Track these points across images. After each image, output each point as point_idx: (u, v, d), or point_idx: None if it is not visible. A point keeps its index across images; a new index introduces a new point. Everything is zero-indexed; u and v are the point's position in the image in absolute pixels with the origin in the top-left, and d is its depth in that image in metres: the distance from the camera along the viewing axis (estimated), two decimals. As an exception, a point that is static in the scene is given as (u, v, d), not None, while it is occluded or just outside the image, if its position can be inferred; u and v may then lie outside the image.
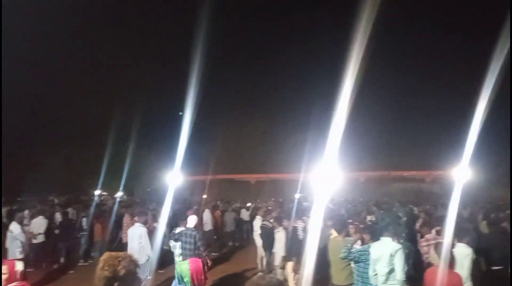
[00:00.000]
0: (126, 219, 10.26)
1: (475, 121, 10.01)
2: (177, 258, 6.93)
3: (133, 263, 2.41)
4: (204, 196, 22.10)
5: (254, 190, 31.50)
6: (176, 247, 7.04)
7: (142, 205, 14.23)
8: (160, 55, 33.68)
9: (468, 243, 5.19)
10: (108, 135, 25.70)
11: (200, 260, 4.65)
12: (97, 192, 22.90)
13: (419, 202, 17.54)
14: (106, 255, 2.39)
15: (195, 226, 7.02)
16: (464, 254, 4.97)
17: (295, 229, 7.67)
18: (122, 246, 9.14)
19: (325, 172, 9.37)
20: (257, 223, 9.36)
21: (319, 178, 9.80)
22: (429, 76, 33.21)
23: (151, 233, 7.95)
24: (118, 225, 10.79)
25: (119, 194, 23.50)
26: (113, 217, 11.37)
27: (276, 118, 35.70)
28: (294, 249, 7.15)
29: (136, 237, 7.39)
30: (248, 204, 17.01)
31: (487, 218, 9.38)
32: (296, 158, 25.78)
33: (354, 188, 28.05)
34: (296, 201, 14.83)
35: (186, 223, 7.16)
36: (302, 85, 34.86)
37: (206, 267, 4.59)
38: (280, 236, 7.27)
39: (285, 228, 7.37)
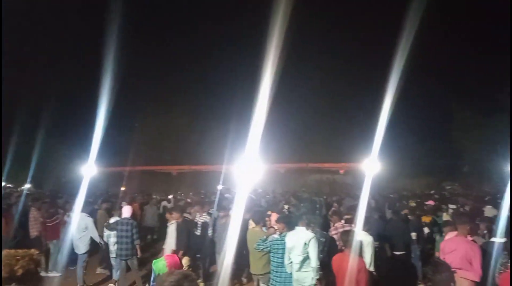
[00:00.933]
0: (33, 213, 9.42)
1: (382, 117, 10.79)
2: (112, 247, 7.27)
3: (34, 262, 2.21)
4: (123, 188, 21.17)
5: (176, 182, 30.89)
6: (111, 236, 7.32)
7: (52, 198, 13.17)
8: (77, 44, 31.49)
9: (368, 231, 5.57)
10: (14, 123, 23.43)
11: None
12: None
13: (333, 193, 18.53)
14: (4, 253, 2.17)
15: (131, 216, 7.31)
16: (366, 241, 5.32)
17: (195, 223, 7.77)
18: (30, 242, 8.46)
19: (247, 164, 9.44)
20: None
21: (241, 170, 9.87)
22: (342, 74, 35.15)
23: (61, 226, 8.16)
24: (25, 220, 9.84)
25: (26, 186, 21.60)
26: (19, 211, 10.34)
27: (198, 109, 35.57)
28: (191, 244, 7.24)
29: (81, 228, 7.65)
30: (170, 196, 16.61)
31: (392, 208, 10.14)
32: (219, 149, 25.79)
33: (275, 179, 28.79)
34: (218, 192, 14.80)
35: (121, 214, 7.46)
36: (223, 78, 35.01)
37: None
38: (171, 229, 7.15)
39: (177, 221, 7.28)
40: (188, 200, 12.39)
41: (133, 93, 31.99)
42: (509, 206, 6.48)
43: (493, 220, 6.32)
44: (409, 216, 8.45)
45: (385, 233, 7.29)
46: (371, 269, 5.23)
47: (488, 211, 8.98)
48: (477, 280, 4.41)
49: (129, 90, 28.36)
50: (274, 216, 6.59)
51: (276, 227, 5.79)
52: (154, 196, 16.96)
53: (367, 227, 5.72)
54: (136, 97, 33.18)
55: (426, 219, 8.47)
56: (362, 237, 5.31)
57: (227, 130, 26.85)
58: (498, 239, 4.85)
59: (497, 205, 9.44)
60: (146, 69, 34.47)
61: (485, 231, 5.84)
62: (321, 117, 35.21)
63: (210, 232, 7.64)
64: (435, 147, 32.62)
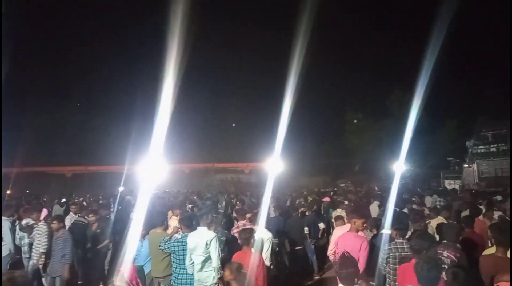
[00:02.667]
0: None
1: (283, 120, 11.27)
2: (25, 248, 6.98)
3: None
4: (8, 192, 18.85)
5: (71, 183, 28.56)
6: (24, 238, 7.05)
7: None
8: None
9: (268, 228, 5.71)
10: None
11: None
12: None
13: (238, 192, 18.79)
14: None
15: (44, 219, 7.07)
16: (265, 237, 5.48)
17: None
18: None
19: (150, 164, 9.11)
20: (70, 219, 8.44)
21: (144, 171, 9.50)
22: (246, 76, 36.22)
23: None
24: None
25: None
26: None
27: (96, 107, 33.83)
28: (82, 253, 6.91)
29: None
30: (63, 200, 15.20)
31: (291, 204, 10.61)
32: (120, 149, 24.54)
33: (179, 179, 28.34)
34: (118, 194, 14.00)
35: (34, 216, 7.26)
36: (126, 74, 33.64)
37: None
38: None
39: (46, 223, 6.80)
40: (84, 203, 11.50)
41: (21, 87, 28.78)
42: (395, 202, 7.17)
43: (381, 215, 6.99)
44: (306, 213, 8.89)
45: (284, 230, 7.56)
46: (267, 263, 5.37)
47: (375, 206, 9.73)
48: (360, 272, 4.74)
49: (16, 84, 25.47)
50: (175, 217, 6.43)
51: (177, 227, 5.64)
52: (43, 199, 15.41)
53: (268, 225, 5.85)
54: (24, 92, 29.90)
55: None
56: (262, 234, 5.43)
57: (129, 129, 25.75)
58: (385, 231, 5.31)
59: (383, 201, 10.34)
60: (34, 63, 31.38)
61: (373, 226, 6.38)
62: (226, 118, 35.75)
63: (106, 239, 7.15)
64: (330, 147, 35.15)
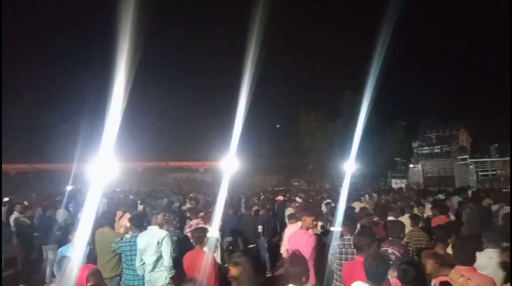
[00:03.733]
0: None
1: (238, 119, 11.28)
2: None
3: None
4: None
5: (14, 182, 26.91)
6: None
7: None
8: None
9: (222, 227, 5.80)
10: None
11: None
12: None
13: (193, 191, 18.60)
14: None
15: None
16: (216, 237, 5.51)
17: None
18: None
19: (101, 163, 8.76)
20: (13, 219, 8.02)
21: (94, 169, 9.12)
22: (200, 75, 36.09)
23: None
24: None
25: None
26: None
27: (42, 100, 32.70)
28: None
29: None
30: (5, 199, 14.28)
31: (246, 203, 10.66)
32: (68, 147, 23.48)
33: (132, 178, 27.60)
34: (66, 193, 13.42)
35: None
36: (75, 73, 32.35)
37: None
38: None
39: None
40: (25, 202, 10.87)
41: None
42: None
43: (332, 212, 7.15)
44: (260, 211, 8.94)
45: (238, 228, 7.57)
46: (219, 263, 5.38)
47: (326, 204, 9.88)
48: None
49: None
50: (126, 216, 6.24)
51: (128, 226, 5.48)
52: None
53: (222, 223, 5.84)
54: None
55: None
56: (213, 233, 5.45)
57: (79, 126, 24.68)
58: (336, 228, 5.43)
59: (334, 199, 10.66)
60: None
61: (322, 223, 6.55)
62: (181, 116, 35.35)
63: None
64: (284, 146, 35.64)
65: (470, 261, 3.41)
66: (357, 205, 9.54)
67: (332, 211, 7.24)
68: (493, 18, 39.71)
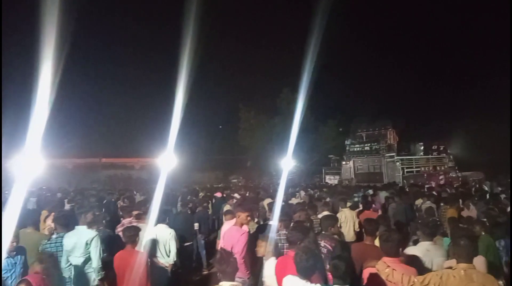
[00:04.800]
0: None
1: (176, 114, 11.07)
2: None
3: None
4: None
5: None
6: None
7: None
8: None
9: (168, 224, 5.72)
10: None
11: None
12: None
13: (127, 188, 17.91)
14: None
15: None
16: (166, 233, 5.47)
17: None
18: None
19: (25, 159, 8.17)
20: None
21: (19, 166, 8.50)
22: (136, 69, 35.06)
23: None
24: None
25: None
26: None
27: None
28: None
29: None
30: None
31: (182, 200, 10.48)
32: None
33: (61, 175, 25.91)
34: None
35: None
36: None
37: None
38: None
39: None
40: None
41: None
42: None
43: (270, 207, 7.37)
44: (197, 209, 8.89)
45: (174, 226, 7.38)
46: (172, 261, 5.42)
47: (267, 201, 9.91)
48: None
49: None
50: (51, 217, 5.84)
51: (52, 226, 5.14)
52: None
53: (166, 221, 5.83)
54: None
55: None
56: (161, 230, 5.43)
57: (2, 119, 22.64)
58: (273, 222, 5.52)
59: (273, 195, 10.88)
60: None
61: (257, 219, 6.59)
62: (115, 110, 33.97)
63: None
64: (224, 143, 35.64)
65: (395, 252, 3.61)
66: (293, 201, 9.78)
67: (271, 207, 7.37)
68: (420, 19, 42.58)
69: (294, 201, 10.22)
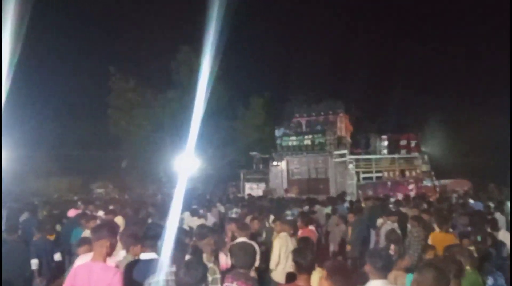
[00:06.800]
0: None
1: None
2: None
3: None
4: None
5: None
6: None
7: None
8: None
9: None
10: None
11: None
12: None
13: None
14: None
15: None
16: None
17: None
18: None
19: None
20: None
21: None
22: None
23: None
24: None
25: None
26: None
27: None
28: None
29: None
30: None
31: (9, 222, 9.88)
32: None
33: None
34: None
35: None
36: None
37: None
38: None
39: None
40: None
41: None
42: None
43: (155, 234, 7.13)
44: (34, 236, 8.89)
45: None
46: None
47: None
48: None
49: None
50: None
51: None
52: None
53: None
54: None
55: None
56: None
57: None
58: (149, 255, 5.60)
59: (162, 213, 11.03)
60: None
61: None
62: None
63: None
64: (81, 131, 34.76)
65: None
66: (195, 223, 9.95)
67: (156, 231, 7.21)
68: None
69: (196, 222, 10.33)
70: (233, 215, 12.86)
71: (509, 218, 11.71)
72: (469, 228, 8.88)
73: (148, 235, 6.23)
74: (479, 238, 7.37)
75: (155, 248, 5.79)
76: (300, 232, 8.58)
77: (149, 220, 11.08)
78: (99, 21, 40.01)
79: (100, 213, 11.89)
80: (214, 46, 18.92)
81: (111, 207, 13.66)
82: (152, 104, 32.33)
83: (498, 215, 11.61)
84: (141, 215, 12.72)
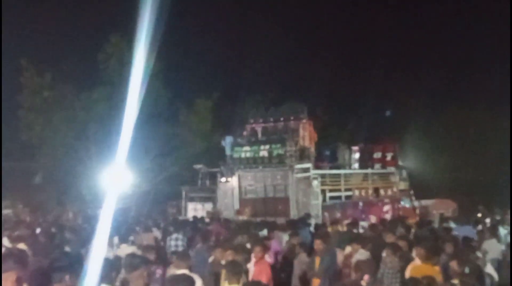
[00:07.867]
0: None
1: None
2: None
3: None
4: None
5: None
6: None
7: None
8: None
9: None
10: None
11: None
12: None
13: None
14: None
15: None
16: None
17: None
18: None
19: None
20: None
21: None
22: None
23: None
24: None
25: None
26: None
27: None
28: None
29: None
30: None
31: None
32: None
33: None
34: None
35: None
36: None
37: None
38: None
39: None
40: None
41: None
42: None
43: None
44: None
45: None
46: None
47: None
48: None
49: None
50: None
51: None
52: None
53: None
54: None
55: None
56: None
57: None
58: None
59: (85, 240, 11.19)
60: None
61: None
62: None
63: None
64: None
65: None
66: (123, 252, 9.85)
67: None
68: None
69: (125, 250, 10.29)
70: (173, 242, 13.00)
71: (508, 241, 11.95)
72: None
73: (54, 267, 5.75)
74: (467, 270, 7.32)
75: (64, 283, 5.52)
76: (254, 264, 8.55)
77: (66, 249, 10.69)
78: (7, 3, 37.65)
79: (5, 240, 11.33)
80: (151, 35, 17.56)
81: (17, 233, 13.03)
82: (73, 105, 30.85)
83: (489, 243, 11.74)
84: (56, 242, 12.38)
